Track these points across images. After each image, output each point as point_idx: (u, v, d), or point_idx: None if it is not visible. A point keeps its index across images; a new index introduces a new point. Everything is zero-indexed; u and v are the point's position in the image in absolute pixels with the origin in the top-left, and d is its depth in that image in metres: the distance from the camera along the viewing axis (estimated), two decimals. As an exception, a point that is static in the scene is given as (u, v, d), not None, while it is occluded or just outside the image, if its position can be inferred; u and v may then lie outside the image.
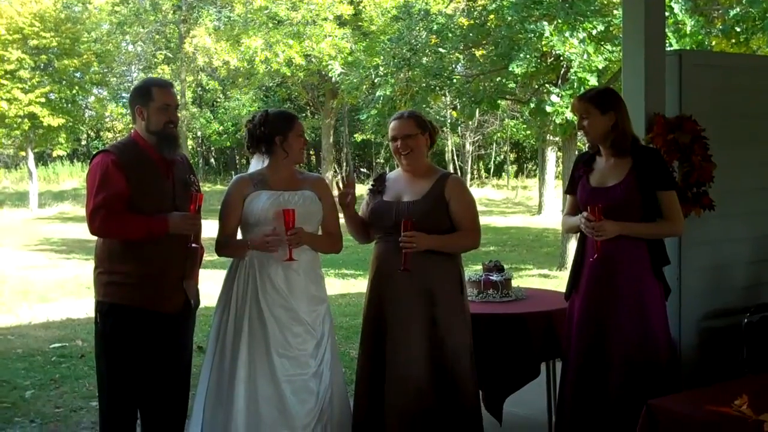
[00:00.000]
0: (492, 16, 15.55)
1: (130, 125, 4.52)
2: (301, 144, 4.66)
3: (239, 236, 4.69)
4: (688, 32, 12.78)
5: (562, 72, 14.79)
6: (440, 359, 4.54)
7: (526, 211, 31.33)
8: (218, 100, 38.44)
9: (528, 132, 28.00)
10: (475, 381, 4.72)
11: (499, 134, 38.03)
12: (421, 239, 4.45)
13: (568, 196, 4.96)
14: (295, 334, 4.51)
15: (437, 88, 15.75)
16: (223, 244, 4.64)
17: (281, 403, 4.45)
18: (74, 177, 39.37)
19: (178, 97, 4.68)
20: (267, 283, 4.51)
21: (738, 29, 12.47)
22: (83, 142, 42.41)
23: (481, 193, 37.08)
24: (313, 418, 4.51)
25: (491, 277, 5.59)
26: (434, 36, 15.80)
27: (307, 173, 4.90)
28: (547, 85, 15.32)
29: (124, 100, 35.88)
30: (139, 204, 4.28)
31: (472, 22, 16.08)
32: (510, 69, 14.11)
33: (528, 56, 13.92)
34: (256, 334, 4.48)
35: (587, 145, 4.88)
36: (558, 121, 14.06)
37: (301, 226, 4.45)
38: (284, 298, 4.50)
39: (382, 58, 17.35)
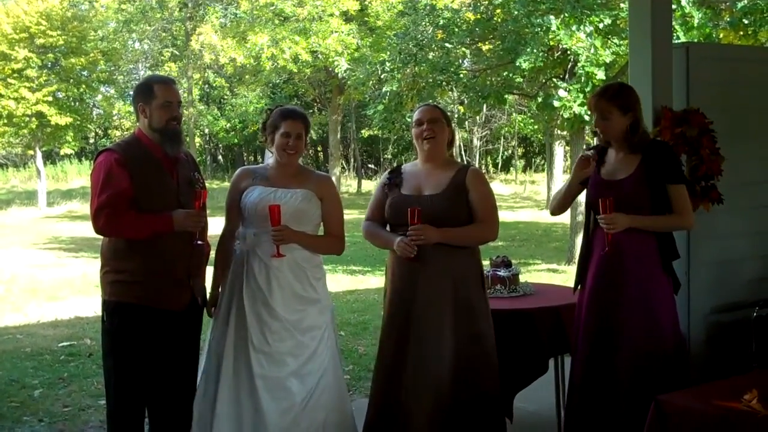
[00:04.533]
0: (498, 11, 15.51)
1: (137, 123, 4.52)
2: (283, 144, 4.56)
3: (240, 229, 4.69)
4: (695, 25, 12.73)
5: (569, 66, 14.75)
6: (467, 352, 4.50)
7: (534, 205, 31.33)
8: (225, 97, 38.47)
9: (535, 127, 28.01)
10: (498, 376, 4.65)
11: (506, 129, 38.03)
12: (430, 232, 4.42)
13: None
14: (272, 331, 4.47)
15: (444, 83, 15.71)
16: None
17: (255, 399, 4.42)
18: (82, 175, 39.47)
19: (185, 95, 4.69)
20: (251, 279, 4.50)
21: (746, 21, 12.41)
22: (91, 141, 42.54)
23: (489, 187, 36.94)
24: (290, 418, 4.43)
25: (499, 273, 5.57)
26: (440, 31, 15.78)
27: (314, 172, 4.86)
28: (554, 80, 15.27)
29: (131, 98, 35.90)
30: (143, 202, 4.27)
31: (478, 16, 16.04)
32: (517, 63, 14.07)
33: (535, 50, 13.89)
34: (240, 328, 4.48)
35: (595, 139, 4.83)
36: (566, 115, 14.01)
37: (291, 224, 4.42)
38: (264, 295, 4.48)
39: (388, 53, 17.36)
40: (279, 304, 4.49)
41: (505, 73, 15.48)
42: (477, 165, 39.06)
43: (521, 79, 15.69)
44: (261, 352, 4.46)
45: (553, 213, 5.09)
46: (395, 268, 4.67)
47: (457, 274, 4.53)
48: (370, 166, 45.42)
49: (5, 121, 29.91)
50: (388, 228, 4.75)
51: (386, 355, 4.67)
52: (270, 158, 4.74)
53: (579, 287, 4.72)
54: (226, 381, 4.46)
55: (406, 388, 4.49)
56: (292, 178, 4.63)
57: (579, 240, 14.84)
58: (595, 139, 4.92)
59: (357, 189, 38.79)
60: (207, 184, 4.67)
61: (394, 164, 40.22)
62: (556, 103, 13.91)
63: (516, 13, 14.32)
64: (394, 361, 4.59)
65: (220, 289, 4.66)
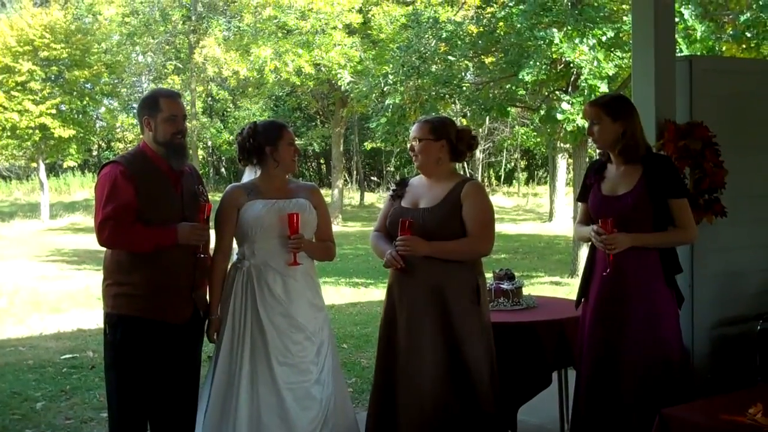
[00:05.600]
0: (501, 24, 15.54)
1: (141, 136, 4.52)
2: (291, 153, 4.65)
3: (235, 246, 4.69)
4: (698, 38, 12.73)
5: (572, 79, 14.76)
6: (454, 368, 4.49)
7: (537, 218, 31.33)
8: (228, 109, 38.50)
9: (538, 139, 27.97)
10: (494, 392, 4.62)
11: (509, 142, 37.98)
12: (418, 244, 4.43)
13: (580, 204, 4.92)
14: (294, 342, 4.50)
15: (447, 95, 15.74)
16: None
17: (283, 411, 4.44)
18: (85, 188, 39.44)
19: (188, 107, 4.70)
20: (265, 292, 4.50)
21: (748, 35, 12.43)
22: (94, 153, 42.49)
23: (492, 200, 36.78)
24: (316, 425, 4.50)
25: (502, 286, 5.56)
26: (443, 44, 15.80)
27: (300, 182, 4.92)
28: (557, 93, 15.29)
29: (135, 111, 35.72)
30: (147, 215, 4.27)
31: (481, 29, 16.06)
32: (520, 76, 14.08)
33: (538, 63, 13.90)
34: (256, 344, 4.48)
35: (598, 152, 4.84)
36: (569, 128, 14.02)
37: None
38: (283, 306, 4.50)
39: (391, 66, 17.37)
40: (299, 313, 4.53)
41: (507, 86, 15.50)
42: (479, 177, 39.10)
43: (524, 92, 15.71)
44: (285, 365, 4.48)
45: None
46: (389, 280, 4.73)
47: (444, 288, 4.50)
48: (372, 178, 45.39)
49: (9, 133, 29.91)
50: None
51: (379, 368, 4.72)
52: (248, 176, 4.75)
53: (582, 301, 4.71)
54: (243, 399, 4.45)
55: (398, 403, 4.52)
56: (285, 189, 4.68)
57: (581, 253, 14.90)
58: (597, 153, 4.92)
59: (360, 202, 38.80)
60: (210, 197, 4.67)
61: (397, 177, 40.37)
62: (559, 116, 13.92)
63: (519, 26, 14.34)
64: (386, 375, 4.64)
65: (219, 312, 4.63)
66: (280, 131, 4.64)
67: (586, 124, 4.74)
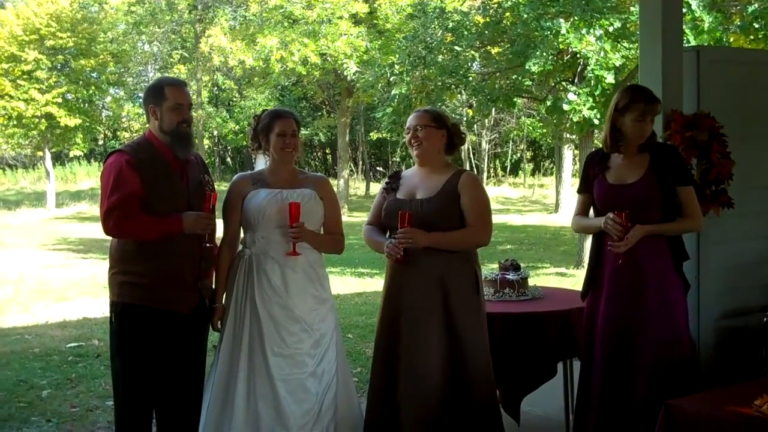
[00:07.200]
0: (508, 14, 15.49)
1: (147, 125, 4.51)
2: (281, 143, 4.59)
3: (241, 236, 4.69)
4: (705, 29, 12.67)
5: (578, 70, 14.72)
6: (455, 359, 4.50)
7: (542, 209, 31.27)
8: (234, 99, 38.52)
9: (544, 130, 27.97)
10: (491, 383, 4.65)
11: (515, 132, 37.97)
12: (418, 235, 4.44)
13: (579, 195, 4.89)
14: (290, 333, 4.50)
15: (453, 86, 15.69)
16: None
17: (277, 403, 4.44)
18: (91, 177, 39.55)
19: (194, 97, 4.69)
20: (264, 282, 4.50)
21: (756, 25, 12.37)
22: (100, 142, 42.61)
23: (498, 191, 37.07)
24: (310, 419, 4.49)
25: (507, 276, 5.55)
26: (449, 34, 15.76)
27: (309, 173, 4.89)
28: (563, 83, 15.24)
29: (141, 100, 35.66)
30: (153, 204, 4.27)
31: (487, 19, 16.01)
32: (526, 67, 14.04)
33: (544, 54, 13.85)
34: (254, 334, 4.48)
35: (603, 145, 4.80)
36: (575, 119, 13.96)
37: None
38: (280, 296, 4.49)
39: (397, 56, 17.34)
40: (297, 305, 4.52)
41: (514, 77, 15.46)
42: (485, 168, 39.08)
43: (530, 83, 15.66)
44: (280, 356, 4.47)
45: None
46: (389, 272, 4.71)
47: (447, 279, 4.51)
48: (378, 168, 45.41)
49: (15, 122, 30.01)
50: (389, 233, 4.75)
51: (379, 359, 4.72)
52: (261, 165, 4.74)
53: (592, 292, 4.70)
54: (241, 389, 4.46)
55: (400, 394, 4.52)
56: (292, 179, 4.66)
57: (587, 244, 14.85)
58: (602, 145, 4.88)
59: (365, 192, 38.82)
60: (216, 186, 4.67)
61: (403, 167, 40.40)
62: (566, 107, 13.88)
63: (525, 16, 14.29)
64: (387, 367, 4.63)
65: (224, 300, 4.64)
66: (271, 121, 4.62)
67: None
